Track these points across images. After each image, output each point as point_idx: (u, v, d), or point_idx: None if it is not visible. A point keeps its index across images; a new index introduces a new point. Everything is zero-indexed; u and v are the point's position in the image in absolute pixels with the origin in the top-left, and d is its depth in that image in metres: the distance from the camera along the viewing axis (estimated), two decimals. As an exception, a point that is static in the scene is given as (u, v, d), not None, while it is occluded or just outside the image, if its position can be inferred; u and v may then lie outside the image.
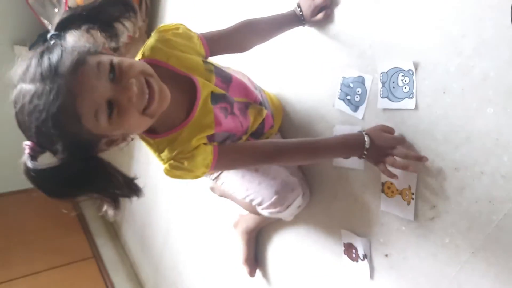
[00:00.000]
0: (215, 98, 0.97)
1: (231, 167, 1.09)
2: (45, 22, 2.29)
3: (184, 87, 0.93)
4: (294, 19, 1.18)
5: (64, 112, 0.70)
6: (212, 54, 1.05)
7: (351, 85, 1.10)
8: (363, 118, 1.08)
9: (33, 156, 0.76)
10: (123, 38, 0.86)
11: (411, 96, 0.96)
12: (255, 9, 1.43)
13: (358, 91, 1.09)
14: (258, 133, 1.17)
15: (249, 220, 1.48)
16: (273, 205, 1.13)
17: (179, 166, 0.92)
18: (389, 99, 1.01)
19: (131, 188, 0.84)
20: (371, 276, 1.13)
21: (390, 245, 1.07)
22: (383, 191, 1.06)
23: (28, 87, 0.72)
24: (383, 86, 1.02)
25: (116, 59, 0.78)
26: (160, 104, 0.83)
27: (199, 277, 2.11)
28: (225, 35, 1.08)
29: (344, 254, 1.20)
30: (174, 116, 0.93)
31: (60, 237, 3.07)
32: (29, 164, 0.75)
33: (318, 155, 1.07)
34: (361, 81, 1.08)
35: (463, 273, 0.91)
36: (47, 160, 0.77)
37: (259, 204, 1.15)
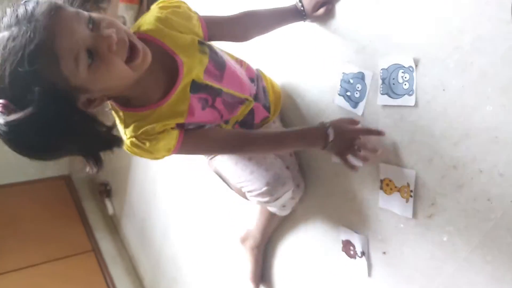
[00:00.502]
0: (196, 87, 0.95)
1: (194, 153, 1.10)
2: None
3: (169, 67, 0.92)
4: (295, 14, 1.17)
5: (42, 50, 0.67)
6: (210, 38, 1.03)
7: (351, 81, 1.10)
8: (362, 115, 1.08)
9: (5, 113, 0.69)
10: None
11: (411, 93, 0.96)
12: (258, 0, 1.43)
13: (358, 87, 1.08)
14: (248, 124, 1.17)
15: (256, 234, 1.47)
16: (261, 195, 1.14)
17: (140, 146, 0.91)
18: (389, 96, 1.01)
19: (111, 138, 0.81)
20: (369, 273, 1.13)
21: (388, 242, 1.07)
22: (381, 188, 1.05)
23: (2, 34, 0.68)
24: (383, 82, 1.01)
25: (96, 14, 0.75)
26: (144, 60, 0.80)
27: (198, 272, 2.11)
28: (226, 22, 1.07)
29: (342, 251, 1.20)
30: (151, 93, 0.91)
31: (59, 230, 3.08)
32: (1, 120, 0.68)
33: (283, 147, 1.12)
34: (361, 77, 1.07)
35: (460, 271, 0.91)
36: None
37: (249, 191, 1.16)
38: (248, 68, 1.19)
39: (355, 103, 1.10)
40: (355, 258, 1.16)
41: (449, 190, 0.91)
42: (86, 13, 0.74)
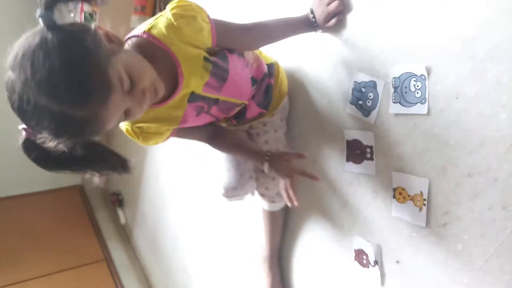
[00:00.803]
0: (194, 97, 1.01)
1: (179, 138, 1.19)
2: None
3: (173, 74, 0.95)
4: (307, 24, 1.18)
5: (90, 132, 0.76)
6: (219, 45, 1.02)
7: (363, 89, 1.10)
8: (374, 123, 1.08)
9: (32, 140, 0.78)
10: None
11: (423, 101, 0.95)
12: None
13: (370, 96, 1.08)
14: (241, 118, 1.27)
15: (263, 244, 1.50)
16: (221, 191, 1.32)
17: (133, 135, 1.05)
18: (401, 104, 1.00)
19: (121, 165, 0.89)
20: (382, 283, 1.12)
21: (401, 251, 1.06)
22: (394, 196, 1.05)
23: (48, 105, 0.70)
24: (395, 91, 1.01)
25: (130, 68, 0.79)
26: (157, 98, 0.90)
27: (209, 281, 2.11)
28: (236, 31, 1.07)
29: (355, 260, 1.19)
30: None
31: (72, 239, 3.11)
32: (34, 149, 0.78)
33: (235, 153, 1.31)
34: (373, 85, 1.07)
35: (475, 280, 0.89)
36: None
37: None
38: (258, 68, 1.20)
39: (367, 112, 1.10)
40: (368, 267, 1.15)
41: (464, 198, 0.90)
42: (126, 76, 0.77)
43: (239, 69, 1.09)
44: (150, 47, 0.90)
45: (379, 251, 1.11)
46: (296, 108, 1.36)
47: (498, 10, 0.80)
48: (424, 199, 0.97)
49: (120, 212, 3.20)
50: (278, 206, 1.41)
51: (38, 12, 0.71)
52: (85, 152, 0.82)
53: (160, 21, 0.92)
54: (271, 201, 1.38)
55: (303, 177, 1.11)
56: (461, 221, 0.91)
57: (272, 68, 1.26)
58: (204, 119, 1.13)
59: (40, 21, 0.71)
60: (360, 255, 1.17)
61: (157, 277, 2.79)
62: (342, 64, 1.17)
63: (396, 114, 1.02)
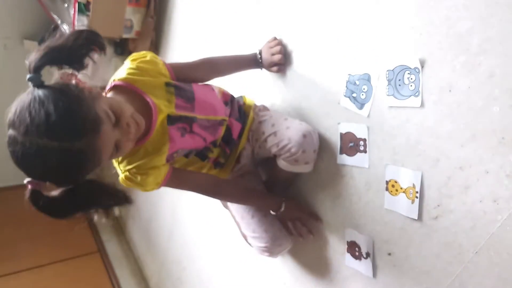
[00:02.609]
0: (172, 119, 1.09)
1: (178, 188, 1.23)
2: (55, 17, 2.30)
3: (145, 108, 1.05)
4: (253, 63, 1.36)
5: (91, 164, 0.85)
6: (178, 79, 1.15)
7: (357, 82, 1.10)
8: (368, 116, 1.08)
9: (38, 191, 0.87)
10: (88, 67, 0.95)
11: (417, 94, 0.96)
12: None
13: (364, 89, 1.09)
14: (230, 141, 1.28)
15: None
16: (262, 252, 1.34)
17: (132, 180, 1.07)
18: (395, 97, 1.01)
19: (123, 198, 0.98)
20: (374, 274, 1.13)
21: (393, 243, 1.06)
22: (387, 189, 1.05)
23: (48, 144, 0.78)
24: (389, 83, 1.02)
25: (111, 104, 0.91)
26: (140, 131, 0.99)
27: (204, 273, 2.11)
28: (186, 69, 1.21)
29: (347, 252, 1.20)
30: None
31: (66, 231, 3.09)
32: (40, 198, 0.86)
33: (246, 203, 1.33)
34: (367, 78, 1.07)
35: (466, 273, 0.90)
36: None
37: (253, 244, 1.36)
38: (224, 94, 1.29)
39: (361, 105, 1.10)
40: (360, 259, 1.15)
41: (455, 191, 0.90)
42: (110, 112, 0.88)
43: (205, 91, 1.21)
44: (122, 91, 1.04)
45: (371, 243, 1.12)
46: (291, 101, 1.35)
47: (493, 4, 0.80)
48: (417, 192, 0.98)
49: (114, 204, 3.20)
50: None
51: (28, 76, 0.84)
52: (88, 193, 0.91)
53: (122, 69, 1.08)
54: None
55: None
56: (452, 213, 0.91)
57: (235, 97, 1.34)
58: (193, 140, 1.16)
59: (30, 83, 0.84)
60: (352, 247, 1.18)
61: (151, 269, 2.80)
62: (336, 56, 1.17)
63: (390, 107, 1.03)
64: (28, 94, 0.82)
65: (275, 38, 1.37)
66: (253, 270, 1.68)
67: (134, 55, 1.11)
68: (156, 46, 2.46)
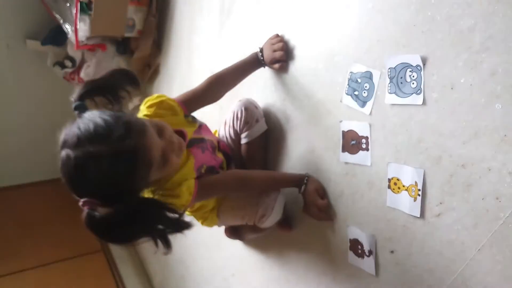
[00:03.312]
0: (191, 142, 1.20)
1: (209, 197, 1.29)
2: (57, 16, 2.31)
3: None
4: (256, 63, 1.39)
5: (143, 165, 0.88)
6: (190, 112, 1.27)
7: (359, 80, 1.10)
8: (370, 114, 1.08)
9: (94, 210, 0.84)
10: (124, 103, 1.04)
11: (418, 91, 0.95)
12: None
13: (365, 87, 1.08)
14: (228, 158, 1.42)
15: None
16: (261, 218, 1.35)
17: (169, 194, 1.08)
18: (397, 95, 1.00)
19: (180, 223, 0.96)
20: (376, 272, 1.13)
21: (395, 241, 1.06)
22: (389, 187, 1.05)
23: (102, 150, 0.82)
24: (390, 81, 1.01)
25: (150, 121, 0.99)
26: (183, 150, 1.07)
27: (207, 271, 2.12)
28: (197, 95, 1.29)
29: (350, 250, 1.20)
30: None
31: (70, 230, 3.10)
32: (97, 216, 0.83)
33: (274, 185, 1.34)
34: (369, 76, 1.07)
35: (469, 270, 0.90)
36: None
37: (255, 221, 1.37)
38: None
39: (363, 102, 1.10)
40: (363, 257, 1.15)
41: (458, 189, 0.90)
42: (155, 123, 0.98)
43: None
44: None
45: (373, 241, 1.12)
46: (293, 100, 1.36)
47: (495, 1, 0.80)
48: (419, 190, 0.98)
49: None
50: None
51: (73, 104, 0.94)
52: (147, 213, 0.91)
53: (141, 117, 1.14)
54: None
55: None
56: (455, 211, 0.91)
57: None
58: (211, 157, 1.28)
59: (76, 112, 0.92)
60: (355, 244, 1.18)
61: (154, 268, 2.81)
62: (338, 54, 1.17)
63: (392, 105, 1.02)
64: (74, 121, 0.89)
65: (277, 35, 1.37)
66: (253, 268, 1.68)
67: (148, 100, 1.18)
68: (158, 45, 2.46)
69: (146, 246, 2.83)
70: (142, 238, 0.91)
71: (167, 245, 0.93)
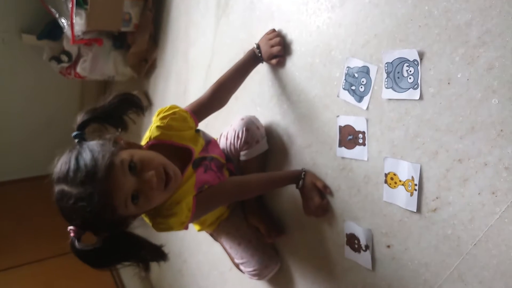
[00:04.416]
0: (195, 162, 1.21)
1: (208, 207, 1.27)
2: (53, 10, 2.29)
3: (181, 155, 1.17)
4: (254, 60, 1.38)
5: (104, 208, 0.89)
6: (200, 120, 1.27)
7: (356, 75, 1.10)
8: (367, 109, 1.08)
9: (78, 238, 0.94)
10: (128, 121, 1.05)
11: (415, 86, 0.95)
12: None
13: (362, 81, 1.08)
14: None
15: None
16: (252, 276, 1.46)
17: (162, 222, 1.12)
18: (394, 90, 1.00)
19: (158, 254, 1.02)
20: (373, 267, 1.13)
21: (392, 236, 1.07)
22: (386, 182, 1.05)
23: (71, 191, 0.88)
24: (387, 76, 1.01)
25: (136, 155, 0.96)
26: (176, 181, 1.03)
27: (204, 266, 2.12)
28: (204, 104, 1.29)
29: (346, 244, 1.20)
30: None
31: (67, 225, 3.11)
32: (77, 245, 0.93)
33: (272, 186, 1.38)
34: (366, 71, 1.07)
35: (465, 264, 0.91)
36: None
37: (244, 270, 1.48)
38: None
39: (359, 97, 1.09)
40: (360, 251, 1.16)
41: (454, 183, 0.90)
42: (127, 160, 0.93)
43: (212, 137, 1.39)
44: (158, 147, 1.11)
45: (370, 235, 1.12)
46: (290, 95, 1.35)
47: (491, -5, 0.80)
48: (415, 184, 0.98)
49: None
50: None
51: (73, 133, 0.97)
52: (125, 245, 0.97)
53: (154, 129, 1.15)
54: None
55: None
56: (451, 206, 0.92)
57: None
58: (211, 176, 1.27)
59: (75, 140, 0.96)
60: (351, 239, 1.18)
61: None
62: (335, 49, 1.16)
63: (389, 100, 1.02)
64: (72, 151, 0.93)
65: (273, 30, 1.36)
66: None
67: (161, 111, 1.19)
68: (154, 39, 2.45)
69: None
70: (120, 264, 0.98)
71: (146, 269, 1.01)
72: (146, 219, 1.14)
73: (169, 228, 1.12)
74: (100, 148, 0.92)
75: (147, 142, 1.15)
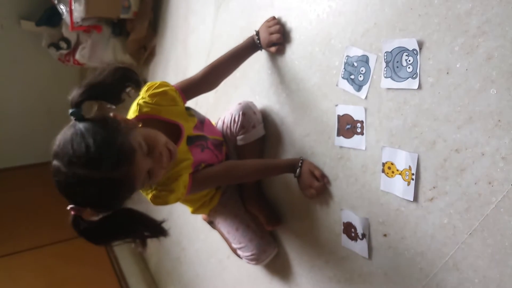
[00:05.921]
0: (190, 140, 1.23)
1: (203, 189, 1.36)
2: (51, -4, 2.28)
3: (171, 131, 1.16)
4: (252, 47, 1.37)
5: (124, 192, 0.94)
6: (188, 99, 1.27)
7: (355, 64, 1.09)
8: (366, 98, 1.08)
9: (80, 216, 0.93)
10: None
11: (414, 76, 0.95)
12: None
13: (362, 71, 1.08)
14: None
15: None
16: (250, 260, 1.48)
17: (161, 195, 1.15)
18: (393, 79, 1.00)
19: (159, 230, 1.03)
20: (369, 255, 1.14)
21: (389, 225, 1.07)
22: (383, 171, 1.06)
23: (86, 174, 0.87)
24: (387, 65, 1.01)
25: (143, 135, 0.98)
26: (174, 159, 1.07)
27: (203, 253, 2.14)
28: (194, 83, 1.29)
29: (343, 233, 1.21)
30: None
31: (66, 211, 3.12)
32: (80, 224, 0.93)
33: (266, 173, 1.39)
34: (365, 60, 1.07)
35: (460, 253, 0.91)
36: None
37: (241, 255, 1.50)
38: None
39: (358, 86, 1.09)
40: (356, 240, 1.17)
41: (451, 173, 0.91)
42: (144, 143, 0.96)
43: (206, 117, 1.39)
44: (148, 123, 1.10)
45: (367, 224, 1.13)
46: (289, 83, 1.35)
47: (492, -16, 0.79)
48: (413, 174, 0.98)
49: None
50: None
51: (70, 110, 0.93)
52: (126, 221, 0.98)
53: (142, 103, 1.15)
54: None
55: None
56: (447, 195, 0.92)
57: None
58: (210, 155, 1.31)
59: (72, 117, 0.93)
60: (348, 228, 1.19)
61: (150, 249, 2.82)
62: (334, 38, 1.16)
63: (388, 89, 1.02)
64: (70, 128, 0.92)
65: (273, 18, 1.36)
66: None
67: (150, 86, 1.17)
68: (153, 26, 2.43)
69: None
70: (121, 240, 0.99)
71: (144, 245, 1.01)
72: (144, 193, 1.17)
73: (165, 203, 1.16)
74: (112, 130, 0.92)
75: (136, 116, 1.14)
